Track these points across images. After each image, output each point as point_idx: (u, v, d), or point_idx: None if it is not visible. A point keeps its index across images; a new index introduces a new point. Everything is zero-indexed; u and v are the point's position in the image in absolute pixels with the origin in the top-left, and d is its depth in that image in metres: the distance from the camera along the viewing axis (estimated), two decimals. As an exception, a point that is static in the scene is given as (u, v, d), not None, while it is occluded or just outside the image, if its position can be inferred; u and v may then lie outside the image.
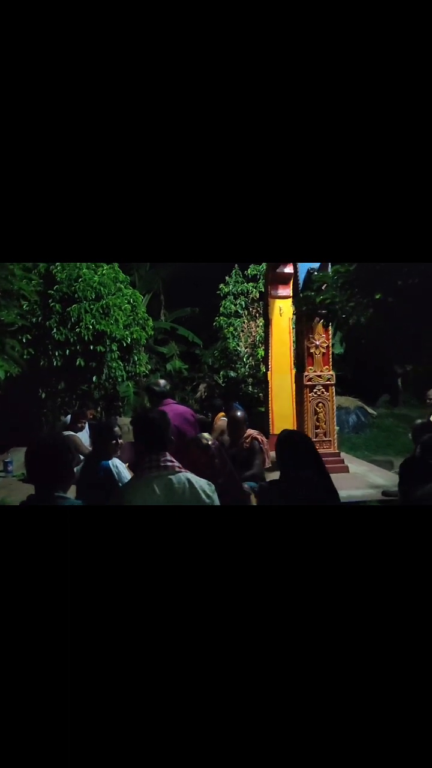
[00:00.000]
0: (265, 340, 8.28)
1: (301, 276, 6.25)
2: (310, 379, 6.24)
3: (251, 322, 10.14)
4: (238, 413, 4.93)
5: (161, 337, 14.15)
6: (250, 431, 4.78)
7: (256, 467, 4.57)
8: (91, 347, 8.25)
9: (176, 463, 2.16)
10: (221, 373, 10.57)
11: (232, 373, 10.44)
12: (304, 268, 6.27)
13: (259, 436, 4.81)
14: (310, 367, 6.25)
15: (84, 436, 6.82)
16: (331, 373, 6.30)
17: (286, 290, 7.94)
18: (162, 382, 4.23)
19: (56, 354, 8.25)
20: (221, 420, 7.01)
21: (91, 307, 8.23)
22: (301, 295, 6.25)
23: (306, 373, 6.23)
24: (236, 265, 10.57)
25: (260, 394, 10.46)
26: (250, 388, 10.43)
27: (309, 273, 6.16)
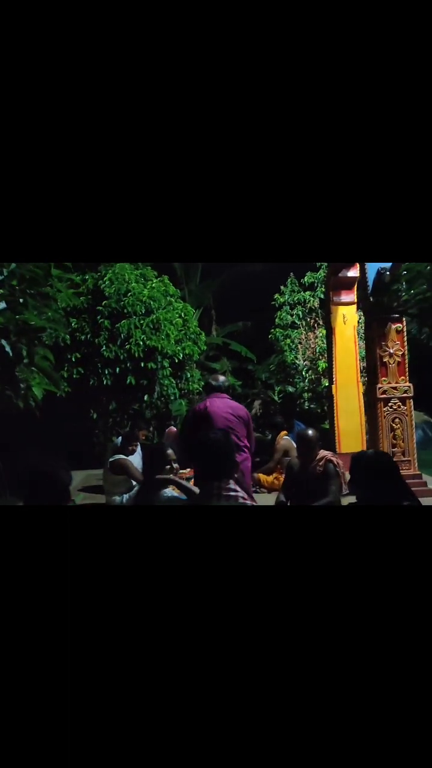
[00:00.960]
0: (328, 351, 7.63)
1: (370, 278, 5.62)
2: (384, 392, 5.56)
3: (310, 333, 9.51)
4: (309, 432, 4.32)
5: (213, 353, 13.71)
6: (323, 452, 4.17)
7: (332, 494, 3.96)
8: (142, 364, 7.83)
9: (240, 493, 1.99)
10: (278, 388, 9.96)
11: (290, 389, 9.82)
12: (372, 270, 5.63)
13: (334, 458, 4.18)
14: (383, 379, 5.57)
15: (136, 459, 6.37)
16: (408, 384, 5.60)
17: (350, 296, 7.29)
18: (221, 377, 4.19)
19: (106, 372, 7.87)
20: (284, 440, 6.41)
21: (141, 322, 7.83)
22: (371, 299, 5.63)
23: (379, 385, 5.55)
24: (291, 273, 10.00)
25: (318, 410, 9.79)
26: (307, 404, 9.77)
27: (380, 273, 5.52)
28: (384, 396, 5.54)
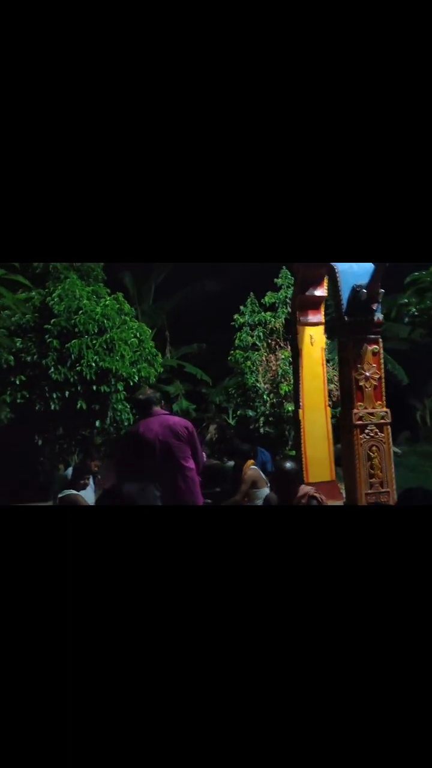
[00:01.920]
0: (294, 374, 7.23)
1: (344, 296, 5.26)
2: (360, 418, 5.16)
3: (271, 355, 9.13)
4: (287, 465, 3.86)
5: (165, 375, 13.19)
6: (304, 488, 3.70)
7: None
8: (94, 387, 7.21)
9: None
10: (238, 412, 9.49)
11: (250, 412, 9.36)
12: (346, 287, 5.28)
13: (317, 494, 3.72)
14: (359, 404, 5.18)
15: (89, 495, 5.72)
16: (386, 410, 5.23)
17: (317, 316, 6.95)
18: (149, 390, 3.86)
19: (54, 396, 7.20)
20: (251, 470, 5.90)
21: (94, 342, 7.24)
22: (345, 318, 5.27)
23: (355, 411, 5.15)
24: (251, 293, 9.64)
25: (274, 434, 9.38)
26: (263, 429, 9.34)
27: (356, 291, 5.17)
28: (360, 422, 5.14)
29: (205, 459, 4.08)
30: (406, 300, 10.84)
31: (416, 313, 10.45)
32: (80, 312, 7.30)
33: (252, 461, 6.10)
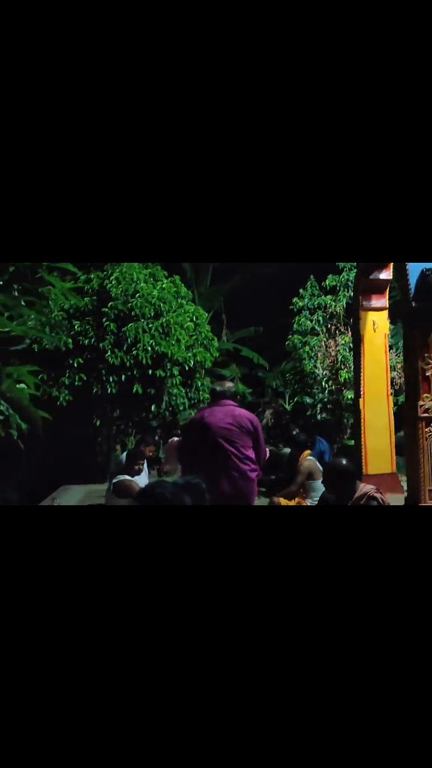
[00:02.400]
0: (355, 361, 6.95)
1: (412, 280, 4.93)
2: (426, 410, 4.86)
3: (330, 341, 8.82)
4: (344, 462, 3.63)
5: (222, 359, 13.09)
6: (364, 487, 3.48)
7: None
8: (150, 371, 7.19)
9: None
10: (296, 399, 9.27)
11: (308, 399, 9.12)
12: (415, 271, 4.95)
13: (377, 494, 3.49)
14: (425, 395, 4.87)
15: (143, 480, 5.72)
16: (454, 402, 4.90)
17: (381, 300, 6.64)
18: (228, 383, 4.04)
19: (110, 380, 7.23)
20: (308, 461, 5.70)
21: (150, 326, 7.19)
22: (413, 303, 4.96)
23: (421, 402, 4.85)
24: (312, 276, 9.33)
25: (333, 421, 9.10)
26: (322, 416, 9.06)
27: (425, 275, 4.84)
28: (426, 415, 4.84)
29: (267, 454, 3.97)
30: None
31: None
32: (137, 295, 7.27)
33: (309, 452, 5.90)
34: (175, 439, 5.37)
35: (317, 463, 5.47)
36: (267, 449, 3.99)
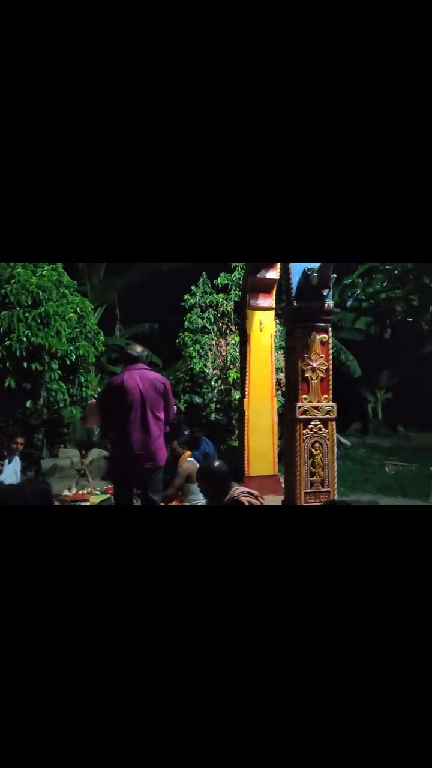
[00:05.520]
0: (241, 361, 6.83)
1: (294, 280, 4.85)
2: (305, 412, 4.79)
3: (221, 340, 8.69)
4: (215, 464, 3.46)
5: (115, 355, 12.59)
6: (235, 490, 3.29)
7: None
8: (25, 364, 6.61)
9: None
10: (183, 397, 9.04)
11: (197, 399, 8.92)
12: (297, 271, 4.87)
13: (246, 498, 3.31)
14: (304, 396, 4.81)
15: (10, 475, 5.23)
16: (332, 404, 4.88)
17: (268, 300, 6.57)
18: (139, 348, 4.21)
19: (-21, 372, 6.57)
20: (187, 462, 5.47)
21: (26, 314, 6.62)
22: (295, 303, 4.87)
23: (299, 404, 4.78)
24: (204, 273, 9.14)
25: (225, 421, 9.00)
26: (214, 416, 8.93)
27: (306, 275, 4.77)
28: (304, 416, 4.77)
29: (175, 411, 4.39)
30: (350, 281, 10.11)
31: (363, 297, 9.87)
32: (13, 281, 6.66)
33: (189, 453, 5.68)
34: (93, 401, 5.07)
35: (197, 464, 5.26)
36: (175, 407, 4.36)
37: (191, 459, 5.48)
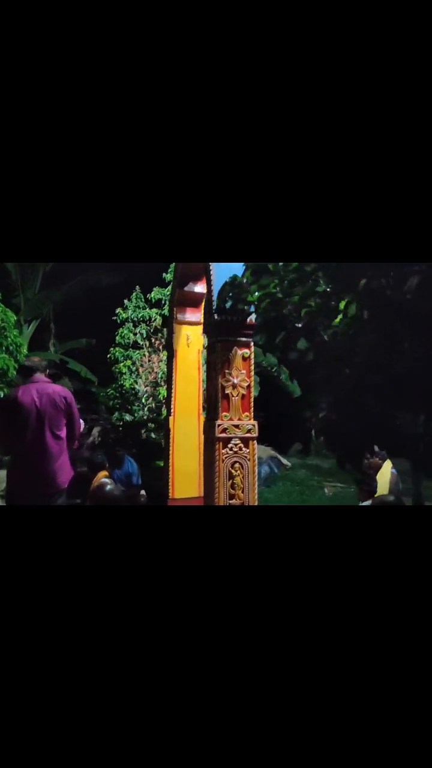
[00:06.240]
0: (168, 377, 6.55)
1: (215, 291, 4.64)
2: (224, 430, 4.54)
3: (153, 356, 8.40)
4: (107, 488, 3.40)
5: (52, 371, 12.10)
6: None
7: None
8: None
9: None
10: (115, 415, 8.67)
11: (127, 417, 8.57)
12: (219, 283, 4.66)
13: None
14: (224, 414, 4.56)
15: None
16: (253, 422, 4.64)
17: (196, 315, 6.34)
18: (36, 358, 3.91)
19: None
20: (100, 483, 5.13)
21: None
22: (215, 316, 4.64)
23: (219, 422, 4.53)
24: (137, 287, 8.87)
25: (157, 440, 8.68)
26: (150, 435, 8.60)
27: (228, 284, 4.55)
28: (224, 435, 4.52)
29: (82, 428, 4.08)
30: (245, 280, 9.92)
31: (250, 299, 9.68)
32: None
33: (105, 473, 5.32)
34: (104, 478, 4.64)
35: (109, 485, 4.91)
36: (81, 423, 4.04)
37: (105, 479, 5.13)
